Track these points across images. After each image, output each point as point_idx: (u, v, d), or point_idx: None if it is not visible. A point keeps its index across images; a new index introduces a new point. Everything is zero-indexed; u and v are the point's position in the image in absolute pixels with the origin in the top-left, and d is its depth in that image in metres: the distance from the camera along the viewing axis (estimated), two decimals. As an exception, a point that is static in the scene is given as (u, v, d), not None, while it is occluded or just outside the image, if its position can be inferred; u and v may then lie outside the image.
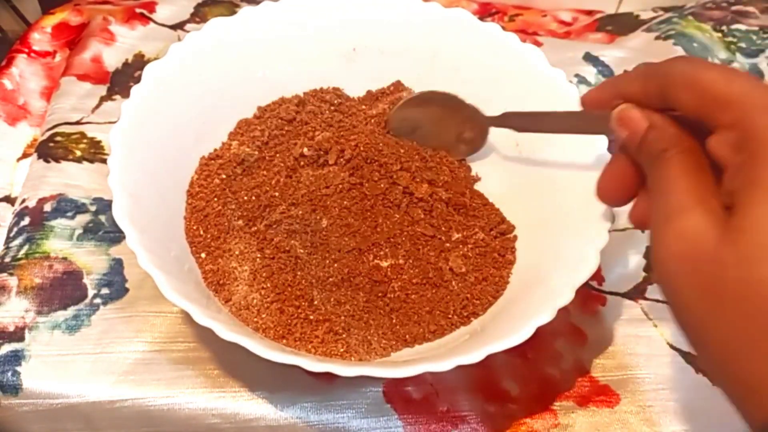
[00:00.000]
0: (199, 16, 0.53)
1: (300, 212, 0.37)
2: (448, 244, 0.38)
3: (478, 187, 0.42)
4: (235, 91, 0.42)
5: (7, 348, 0.35)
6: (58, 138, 0.44)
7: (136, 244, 0.31)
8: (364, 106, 0.43)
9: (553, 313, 0.31)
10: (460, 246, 0.38)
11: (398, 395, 0.36)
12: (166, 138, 0.38)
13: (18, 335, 0.36)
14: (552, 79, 0.39)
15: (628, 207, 0.30)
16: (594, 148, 0.36)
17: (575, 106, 0.38)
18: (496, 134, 0.42)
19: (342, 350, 0.34)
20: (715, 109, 0.24)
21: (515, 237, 0.39)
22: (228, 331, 0.29)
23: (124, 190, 0.33)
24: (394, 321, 0.36)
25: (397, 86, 0.44)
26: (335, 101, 0.43)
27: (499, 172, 0.41)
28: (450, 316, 0.36)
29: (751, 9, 0.55)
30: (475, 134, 0.41)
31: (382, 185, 0.38)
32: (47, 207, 0.41)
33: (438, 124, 0.41)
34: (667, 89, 0.25)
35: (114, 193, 0.32)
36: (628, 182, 0.29)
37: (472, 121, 0.40)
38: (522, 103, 0.40)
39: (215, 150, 0.41)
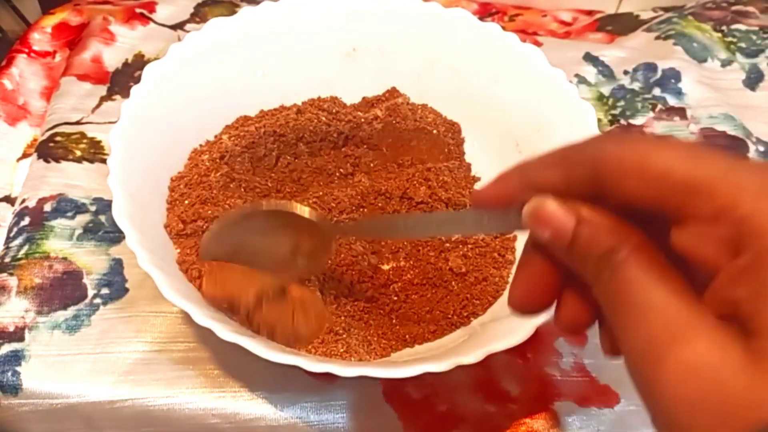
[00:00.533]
0: (199, 16, 0.53)
1: None
2: (447, 244, 0.38)
3: (478, 187, 0.42)
4: (235, 90, 0.42)
5: (7, 348, 0.35)
6: (58, 138, 0.44)
7: (136, 245, 0.31)
8: (359, 113, 0.43)
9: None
10: (460, 246, 0.38)
11: (398, 395, 0.36)
12: (166, 138, 0.38)
13: (18, 335, 0.36)
14: (552, 79, 0.39)
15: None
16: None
17: (575, 106, 0.38)
18: (495, 135, 0.42)
19: (342, 350, 0.34)
20: (683, 198, 0.18)
21: (515, 237, 0.39)
22: (228, 331, 0.29)
23: (123, 190, 0.33)
24: (394, 321, 0.36)
25: (392, 92, 0.44)
26: (333, 110, 0.43)
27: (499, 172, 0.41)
28: (450, 316, 0.36)
29: (751, 9, 0.55)
30: (317, 245, 0.33)
31: (380, 204, 0.38)
32: (47, 207, 0.41)
33: (266, 240, 0.34)
34: (603, 177, 0.20)
35: (114, 193, 0.32)
36: (547, 287, 0.23)
37: (311, 232, 0.33)
38: (522, 102, 0.40)
39: (206, 141, 0.41)
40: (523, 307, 0.24)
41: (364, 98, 0.44)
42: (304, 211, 0.32)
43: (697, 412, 0.17)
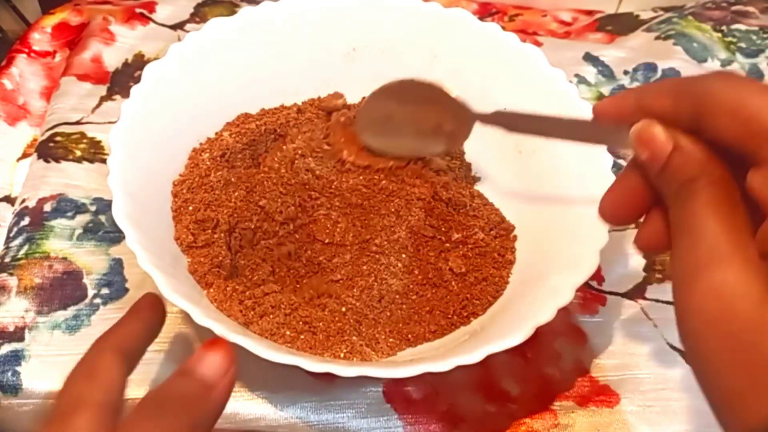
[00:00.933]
0: (199, 16, 0.53)
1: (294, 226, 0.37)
2: (447, 245, 0.38)
3: (478, 187, 0.42)
4: (235, 90, 0.41)
5: (7, 348, 0.35)
6: (58, 138, 0.44)
7: (136, 244, 0.31)
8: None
9: (553, 312, 0.31)
10: (460, 246, 0.38)
11: (398, 395, 0.36)
12: (166, 138, 0.38)
13: (18, 335, 0.36)
14: (552, 79, 0.39)
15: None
16: (595, 148, 0.36)
17: (575, 106, 0.38)
18: (495, 135, 0.42)
19: (346, 350, 0.34)
20: (761, 142, 0.21)
21: (515, 237, 0.39)
22: (228, 331, 0.29)
23: (123, 190, 0.33)
24: (398, 319, 0.36)
25: None
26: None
27: (499, 172, 0.41)
28: (450, 316, 0.36)
29: (751, 9, 0.55)
30: (457, 128, 0.37)
31: (382, 211, 0.38)
32: (47, 207, 0.41)
33: (415, 113, 0.37)
34: (703, 111, 0.22)
35: (114, 193, 0.32)
36: (637, 203, 0.26)
37: (455, 113, 0.36)
38: (522, 102, 0.40)
39: (207, 139, 0.41)
40: (610, 215, 0.27)
41: (363, 98, 0.44)
42: (450, 91, 0.36)
43: (709, 323, 0.20)
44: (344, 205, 0.38)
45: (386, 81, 0.44)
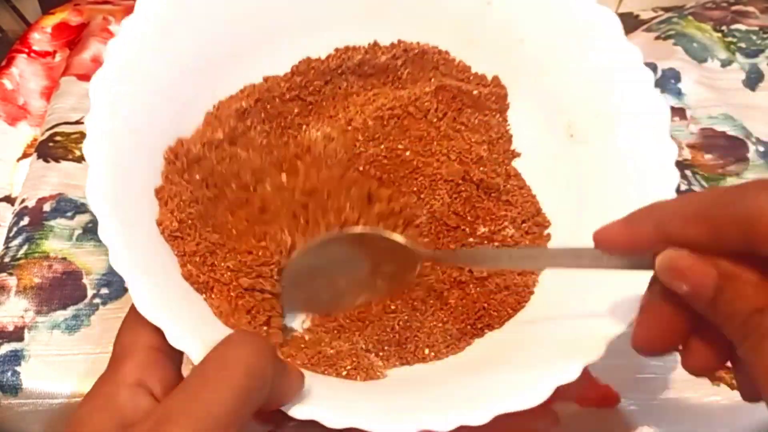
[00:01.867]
0: (199, 16, 0.53)
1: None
2: (471, 239, 0.34)
3: (515, 164, 0.37)
4: (243, 27, 0.35)
5: (7, 348, 0.35)
6: (58, 138, 0.44)
7: (113, 236, 0.26)
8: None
9: (579, 372, 0.26)
10: (486, 243, 0.34)
11: (398, 395, 0.35)
12: (163, 89, 0.31)
13: (17, 335, 0.36)
14: (624, 56, 0.32)
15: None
16: (665, 148, 0.30)
17: (647, 97, 0.32)
18: (545, 109, 0.36)
19: (349, 367, 0.31)
20: None
21: (548, 236, 0.34)
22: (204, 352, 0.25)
23: (105, 162, 0.26)
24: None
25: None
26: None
27: (542, 153, 0.36)
28: (462, 324, 0.33)
29: (751, 9, 0.55)
30: (399, 266, 0.32)
31: (403, 188, 0.34)
32: (47, 207, 0.41)
33: (345, 262, 0.32)
34: (759, 239, 0.19)
35: (90, 165, 0.26)
36: (674, 330, 0.23)
37: (395, 253, 0.31)
38: (582, 79, 0.34)
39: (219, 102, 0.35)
40: (647, 350, 0.23)
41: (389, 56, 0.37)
42: (395, 236, 0.31)
43: None
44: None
45: (430, 29, 0.37)
